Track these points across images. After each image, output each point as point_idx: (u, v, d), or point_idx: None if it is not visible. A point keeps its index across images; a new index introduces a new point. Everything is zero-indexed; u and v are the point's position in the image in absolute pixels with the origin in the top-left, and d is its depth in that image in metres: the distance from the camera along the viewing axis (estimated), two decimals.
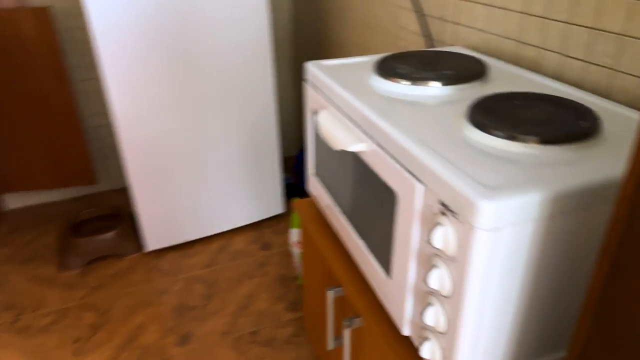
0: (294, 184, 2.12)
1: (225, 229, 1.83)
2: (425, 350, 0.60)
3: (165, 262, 1.71)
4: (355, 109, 0.71)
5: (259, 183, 1.80)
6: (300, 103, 2.36)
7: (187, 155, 1.63)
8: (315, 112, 0.90)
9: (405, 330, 0.66)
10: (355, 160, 0.74)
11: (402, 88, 0.76)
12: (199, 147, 1.64)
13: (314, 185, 0.97)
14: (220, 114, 1.63)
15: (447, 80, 0.75)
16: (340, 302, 0.93)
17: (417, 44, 1.22)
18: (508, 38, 0.92)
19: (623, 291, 0.37)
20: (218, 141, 1.66)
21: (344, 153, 0.79)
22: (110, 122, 2.05)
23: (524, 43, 0.89)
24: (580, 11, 0.77)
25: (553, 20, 0.82)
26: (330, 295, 0.89)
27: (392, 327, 0.72)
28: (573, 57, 0.79)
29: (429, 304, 0.58)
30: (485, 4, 0.96)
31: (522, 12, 0.88)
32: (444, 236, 0.52)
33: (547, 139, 0.56)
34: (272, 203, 1.87)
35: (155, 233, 1.69)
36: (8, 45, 1.70)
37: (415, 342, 0.65)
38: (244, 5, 1.51)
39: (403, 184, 0.60)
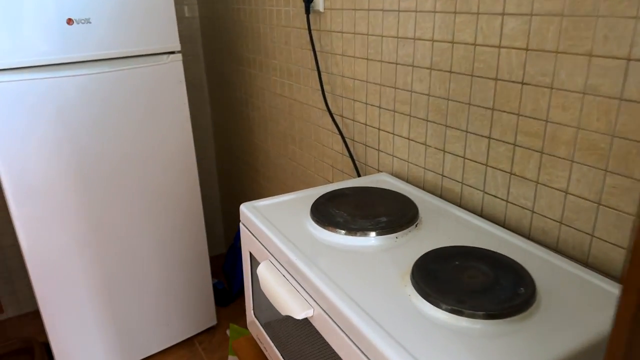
0: (224, 290, 2.01)
1: (152, 352, 1.68)
2: None
3: None
4: (299, 270, 0.70)
5: (186, 295, 1.70)
6: (224, 198, 2.32)
7: (106, 274, 1.52)
8: (252, 256, 0.87)
9: None
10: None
11: (339, 238, 0.77)
12: (120, 263, 1.53)
13: (255, 326, 0.93)
14: (144, 225, 1.55)
15: (382, 230, 0.77)
16: None
17: (342, 163, 1.26)
18: (430, 170, 0.97)
19: None
20: (139, 255, 1.57)
21: None
22: (15, 242, 1.88)
23: (445, 176, 0.94)
24: (495, 156, 0.83)
25: (471, 160, 0.88)
26: None
27: None
28: (493, 195, 0.85)
29: None
30: (404, 137, 1.01)
31: (441, 150, 0.93)
32: None
33: (491, 314, 0.58)
34: (203, 316, 1.76)
35: None
36: None
37: None
38: (167, 112, 1.49)
39: (349, 355, 0.58)
